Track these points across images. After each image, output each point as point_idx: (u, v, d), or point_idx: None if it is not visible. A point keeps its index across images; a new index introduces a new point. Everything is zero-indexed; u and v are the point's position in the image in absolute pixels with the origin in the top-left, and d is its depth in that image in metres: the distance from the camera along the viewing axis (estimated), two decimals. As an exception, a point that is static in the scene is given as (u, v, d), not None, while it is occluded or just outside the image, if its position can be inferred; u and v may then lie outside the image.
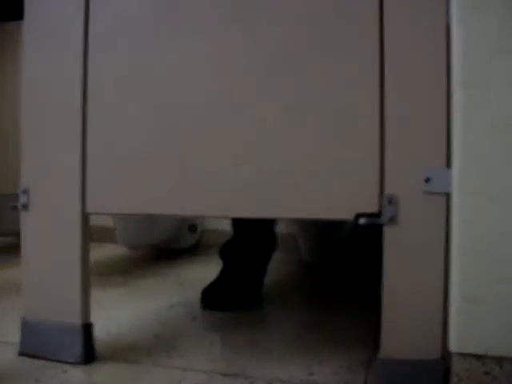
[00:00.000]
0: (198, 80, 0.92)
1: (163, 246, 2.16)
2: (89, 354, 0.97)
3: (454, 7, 0.77)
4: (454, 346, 0.77)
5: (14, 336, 1.02)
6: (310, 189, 0.86)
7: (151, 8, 0.94)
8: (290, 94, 0.88)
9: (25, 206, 0.99)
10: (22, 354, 0.99)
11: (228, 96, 0.91)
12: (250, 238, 1.47)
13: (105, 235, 2.29)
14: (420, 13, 0.81)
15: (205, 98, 0.92)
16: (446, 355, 0.81)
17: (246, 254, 1.46)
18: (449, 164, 0.80)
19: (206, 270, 1.79)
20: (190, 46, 0.92)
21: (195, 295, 1.43)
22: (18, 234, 1.04)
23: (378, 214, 0.83)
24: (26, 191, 0.99)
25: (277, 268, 1.80)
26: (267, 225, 1.50)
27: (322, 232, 1.70)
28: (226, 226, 1.94)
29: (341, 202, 0.85)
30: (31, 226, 1.00)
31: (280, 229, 1.69)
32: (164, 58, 0.94)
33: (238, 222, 1.50)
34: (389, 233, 0.83)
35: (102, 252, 2.16)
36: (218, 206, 0.91)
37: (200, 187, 0.91)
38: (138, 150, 0.94)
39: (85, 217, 0.96)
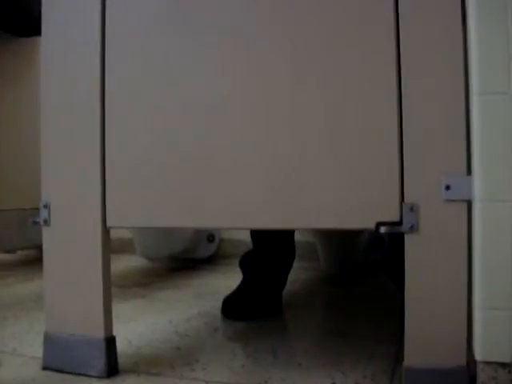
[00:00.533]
0: (224, 85, 0.93)
1: (182, 257, 2.16)
2: (112, 367, 0.97)
3: (470, 12, 0.77)
4: (479, 354, 0.77)
5: (38, 350, 1.03)
6: (331, 199, 0.86)
7: (172, 15, 0.95)
8: (312, 104, 0.88)
9: (46, 221, 1.00)
10: (45, 367, 1.00)
11: (252, 107, 0.91)
12: (270, 249, 1.48)
13: (122, 247, 2.30)
14: (436, 19, 0.81)
15: (229, 107, 0.92)
16: (471, 363, 0.80)
17: (266, 264, 1.46)
18: (469, 171, 0.79)
19: (225, 280, 1.80)
20: (220, 46, 0.93)
21: (215, 306, 1.44)
22: (38, 247, 1.05)
23: (399, 223, 0.83)
24: (46, 206, 1.00)
25: (297, 277, 1.80)
26: (287, 235, 1.50)
27: (341, 240, 1.70)
28: (242, 236, 1.95)
29: (362, 212, 0.84)
30: (52, 240, 1.01)
31: (299, 237, 1.70)
32: (184, 65, 0.94)
33: (257, 233, 1.50)
34: (410, 241, 0.83)
35: (119, 264, 2.17)
36: (239, 217, 0.91)
37: (221, 199, 0.91)
38: (159, 163, 0.95)
39: (106, 231, 0.97)
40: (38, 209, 1.01)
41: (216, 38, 0.93)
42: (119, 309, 1.40)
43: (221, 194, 0.91)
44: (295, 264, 1.56)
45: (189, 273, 2.02)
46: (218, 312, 1.40)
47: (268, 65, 0.90)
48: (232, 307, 1.38)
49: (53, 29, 1.01)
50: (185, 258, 2.18)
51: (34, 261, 2.20)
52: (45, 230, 1.01)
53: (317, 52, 0.87)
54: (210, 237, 2.20)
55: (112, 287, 1.00)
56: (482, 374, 0.77)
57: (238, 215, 0.91)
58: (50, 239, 1.01)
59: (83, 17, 0.98)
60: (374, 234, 1.83)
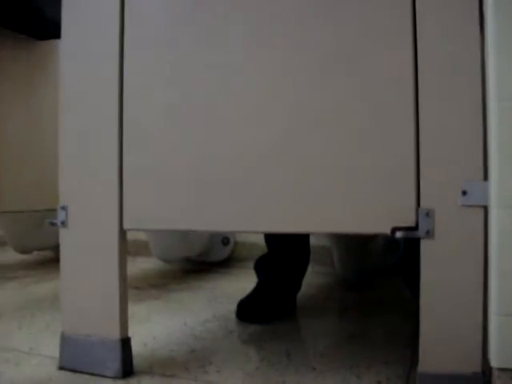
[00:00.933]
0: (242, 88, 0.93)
1: (197, 260, 2.17)
2: (127, 368, 0.98)
3: (488, 18, 0.77)
4: (494, 360, 0.76)
5: (55, 349, 1.04)
6: (346, 203, 0.86)
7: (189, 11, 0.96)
8: (329, 106, 0.88)
9: (63, 223, 1.01)
10: (61, 367, 1.01)
11: (265, 110, 0.91)
12: (285, 252, 1.48)
13: (137, 249, 2.31)
14: (454, 25, 0.81)
15: (243, 111, 0.92)
16: (486, 370, 0.80)
17: (280, 267, 1.46)
18: (486, 177, 0.79)
19: (239, 283, 1.80)
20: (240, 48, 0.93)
21: (229, 309, 1.44)
22: (54, 248, 1.06)
23: (415, 228, 0.82)
24: (64, 208, 1.01)
25: (312, 281, 1.80)
26: (301, 238, 1.50)
27: (356, 244, 1.70)
28: (257, 239, 1.95)
29: (377, 216, 0.84)
30: (70, 242, 1.02)
31: (314, 242, 1.69)
32: (201, 65, 0.95)
33: (271, 237, 1.50)
34: (426, 246, 0.83)
35: (134, 265, 2.18)
36: (255, 221, 0.91)
37: (236, 203, 0.92)
38: (176, 166, 0.95)
39: (122, 233, 0.98)
40: (54, 210, 1.02)
41: (237, 38, 0.93)
42: (135, 310, 1.41)
43: (237, 198, 0.92)
44: (310, 268, 1.56)
45: (203, 275, 2.03)
46: (232, 315, 1.40)
47: (279, 69, 0.90)
48: (247, 310, 1.38)
49: (72, 30, 1.02)
50: (200, 260, 2.18)
51: (51, 261, 2.21)
52: (62, 232, 1.02)
53: (332, 57, 0.88)
54: (225, 240, 2.21)
55: (127, 289, 1.01)
56: (497, 381, 0.76)
57: (254, 219, 0.91)
58: (67, 240, 1.02)
59: (102, 17, 0.99)
60: (391, 238, 1.83)
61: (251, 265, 1.54)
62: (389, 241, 1.91)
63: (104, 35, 0.99)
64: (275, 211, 0.90)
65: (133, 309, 1.32)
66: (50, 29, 1.73)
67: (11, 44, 1.77)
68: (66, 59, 1.03)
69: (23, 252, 2.17)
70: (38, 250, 2.22)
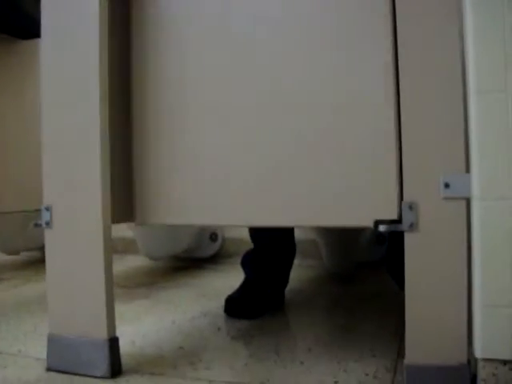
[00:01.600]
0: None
1: (185, 256, 2.17)
2: (116, 368, 0.98)
3: (467, 12, 0.77)
4: (479, 351, 0.77)
5: (42, 351, 1.04)
6: (330, 197, 0.86)
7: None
8: (311, 100, 0.88)
9: (48, 223, 1.00)
10: (49, 369, 1.00)
11: (253, 110, 0.92)
12: (270, 247, 1.48)
13: (125, 247, 2.31)
14: (433, 19, 0.81)
15: (232, 110, 0.93)
16: (471, 360, 0.81)
17: (267, 262, 1.47)
18: (468, 169, 0.80)
19: (228, 279, 1.80)
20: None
21: (218, 305, 1.44)
22: (42, 249, 1.06)
23: (399, 221, 0.83)
24: (48, 208, 1.00)
25: (299, 274, 1.80)
26: (286, 232, 1.50)
27: (343, 238, 1.70)
28: (245, 235, 1.95)
29: (361, 210, 0.85)
30: (55, 242, 1.01)
31: (302, 235, 1.70)
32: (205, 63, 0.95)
33: (256, 232, 1.50)
34: (410, 239, 0.83)
35: (122, 264, 2.18)
36: (238, 215, 0.91)
37: (222, 197, 0.92)
38: (162, 161, 0.95)
39: (107, 231, 0.97)
40: (39, 210, 1.02)
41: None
42: (123, 309, 1.41)
43: (222, 192, 0.92)
44: (298, 262, 1.57)
45: (192, 272, 2.03)
46: (220, 311, 1.40)
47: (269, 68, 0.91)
48: (235, 306, 1.39)
49: (52, 28, 1.01)
50: (188, 257, 2.18)
51: (39, 262, 2.20)
52: (47, 232, 1.01)
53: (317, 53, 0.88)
54: (213, 235, 2.21)
55: (115, 288, 1.01)
56: (482, 372, 0.77)
57: (237, 213, 0.91)
58: (52, 241, 1.01)
59: (82, 15, 0.98)
60: (377, 231, 1.83)
61: (239, 261, 1.54)
62: (376, 234, 1.91)
63: (84, 29, 0.98)
64: (262, 206, 0.90)
65: (121, 307, 1.32)
66: (33, 28, 1.71)
67: (-8, 44, 1.75)
68: (46, 58, 1.02)
69: (10, 253, 2.16)
70: (26, 250, 2.21)
